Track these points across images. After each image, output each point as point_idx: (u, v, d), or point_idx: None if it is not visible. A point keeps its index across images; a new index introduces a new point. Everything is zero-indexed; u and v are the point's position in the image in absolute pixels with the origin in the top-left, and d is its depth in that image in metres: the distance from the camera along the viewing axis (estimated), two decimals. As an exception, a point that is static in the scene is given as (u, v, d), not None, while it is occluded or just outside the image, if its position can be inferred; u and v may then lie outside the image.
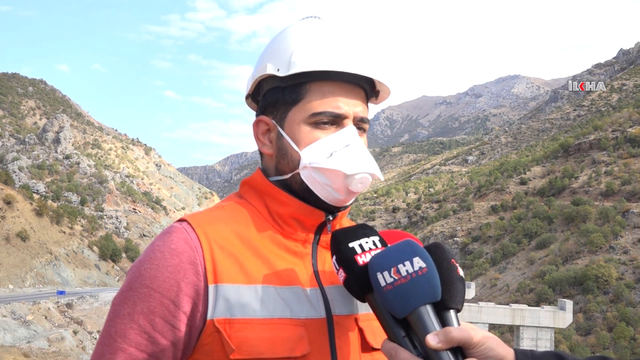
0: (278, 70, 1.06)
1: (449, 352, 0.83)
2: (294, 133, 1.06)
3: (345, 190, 1.04)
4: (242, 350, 0.93)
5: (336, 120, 1.05)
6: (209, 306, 0.96)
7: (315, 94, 1.05)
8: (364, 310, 1.07)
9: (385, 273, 0.86)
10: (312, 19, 1.13)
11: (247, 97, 1.20)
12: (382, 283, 0.86)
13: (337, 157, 1.02)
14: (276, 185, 1.09)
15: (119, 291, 0.99)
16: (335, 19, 1.11)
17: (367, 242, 0.95)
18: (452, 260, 0.93)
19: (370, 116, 1.10)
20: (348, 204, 1.09)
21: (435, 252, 0.92)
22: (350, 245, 0.94)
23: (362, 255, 0.93)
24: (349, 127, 1.05)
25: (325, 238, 1.09)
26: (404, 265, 0.86)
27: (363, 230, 0.97)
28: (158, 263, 0.96)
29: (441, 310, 0.88)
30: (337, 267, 0.94)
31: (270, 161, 1.12)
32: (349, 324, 1.05)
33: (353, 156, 1.03)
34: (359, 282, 0.92)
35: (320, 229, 1.09)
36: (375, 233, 0.98)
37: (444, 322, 0.87)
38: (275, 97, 1.08)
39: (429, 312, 0.85)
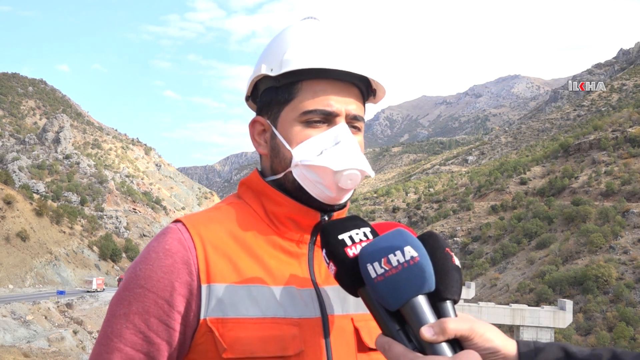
0: (272, 70, 1.07)
1: (445, 344, 0.79)
2: (287, 132, 1.06)
3: (335, 187, 1.03)
4: (234, 350, 0.94)
5: (328, 119, 1.05)
6: (202, 305, 0.96)
7: (306, 93, 1.05)
8: (361, 310, 1.06)
9: (376, 264, 0.83)
10: (309, 19, 1.13)
11: (247, 99, 1.21)
12: (373, 274, 0.83)
13: (326, 155, 1.02)
14: (272, 185, 1.09)
15: (116, 292, 1.01)
16: (331, 19, 1.11)
17: (357, 234, 0.91)
18: (447, 249, 0.90)
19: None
20: (342, 202, 1.08)
21: (429, 241, 0.89)
22: (340, 237, 0.91)
23: (352, 247, 0.89)
24: (340, 125, 1.05)
25: None
26: (395, 255, 0.82)
27: (353, 222, 0.94)
28: (152, 263, 0.97)
29: (437, 301, 0.84)
30: (328, 261, 0.92)
31: (266, 161, 1.13)
32: (344, 323, 1.04)
33: (342, 153, 1.02)
34: (350, 275, 0.88)
35: (317, 230, 1.08)
36: (366, 224, 0.95)
37: (439, 314, 0.83)
38: (269, 97, 1.09)
39: (423, 304, 0.82)
